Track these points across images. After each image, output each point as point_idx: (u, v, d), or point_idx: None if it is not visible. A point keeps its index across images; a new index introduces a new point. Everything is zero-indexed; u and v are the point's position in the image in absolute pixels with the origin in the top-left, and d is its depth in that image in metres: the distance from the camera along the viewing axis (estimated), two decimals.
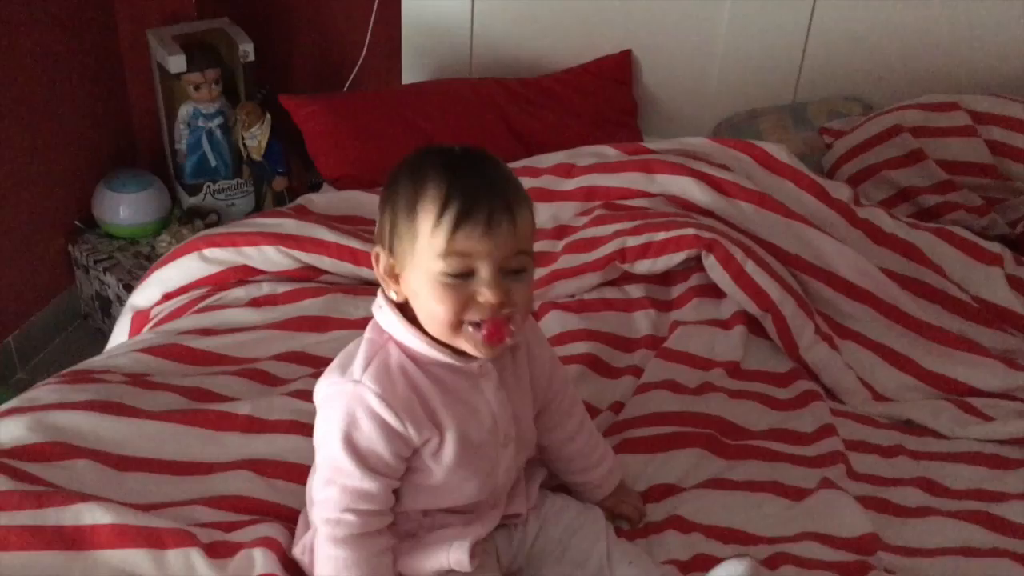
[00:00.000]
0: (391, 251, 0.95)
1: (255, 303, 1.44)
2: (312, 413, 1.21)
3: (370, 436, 0.93)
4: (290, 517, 1.09)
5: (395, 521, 1.01)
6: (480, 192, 0.90)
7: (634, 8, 2.07)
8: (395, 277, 0.95)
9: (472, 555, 0.99)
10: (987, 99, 1.82)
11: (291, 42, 2.35)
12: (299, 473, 1.12)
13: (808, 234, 1.51)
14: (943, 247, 1.55)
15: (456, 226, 0.89)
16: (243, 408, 1.22)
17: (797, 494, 1.21)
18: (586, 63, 2.13)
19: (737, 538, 1.15)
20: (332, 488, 0.95)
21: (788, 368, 1.43)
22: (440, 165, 0.92)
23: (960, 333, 1.46)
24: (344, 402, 0.94)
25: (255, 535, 1.03)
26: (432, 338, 0.95)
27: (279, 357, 1.36)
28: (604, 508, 1.13)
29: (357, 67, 2.28)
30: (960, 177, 1.74)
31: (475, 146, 0.96)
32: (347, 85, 2.30)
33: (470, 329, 0.93)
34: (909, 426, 1.38)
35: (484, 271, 0.91)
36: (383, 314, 0.97)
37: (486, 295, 0.91)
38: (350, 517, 0.95)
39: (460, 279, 0.91)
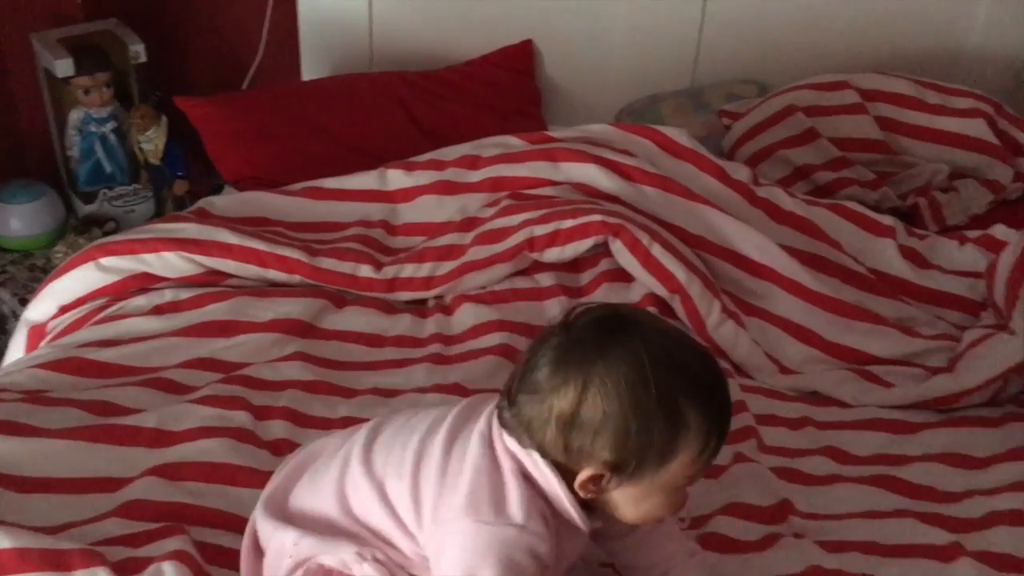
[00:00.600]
0: (613, 469, 0.88)
1: (158, 311, 1.40)
2: (222, 419, 1.21)
3: (532, 572, 0.88)
4: (203, 518, 1.07)
5: None
6: (728, 415, 0.90)
7: None
8: (596, 481, 0.89)
9: None
10: (874, 77, 1.88)
11: (185, 42, 2.29)
12: (211, 472, 1.10)
13: (710, 215, 1.54)
14: (839, 222, 1.60)
15: (714, 455, 0.90)
16: (149, 420, 1.19)
17: (713, 471, 1.24)
18: (488, 54, 2.13)
19: None
20: None
21: None
22: (692, 396, 0.86)
23: (858, 304, 1.51)
24: (498, 546, 0.87)
25: (165, 549, 1.00)
26: (578, 503, 0.90)
27: (185, 364, 1.32)
28: None
29: (255, 66, 2.23)
30: (852, 153, 1.80)
31: (704, 354, 0.92)
32: (245, 84, 2.25)
33: None
34: (815, 397, 1.42)
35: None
36: (533, 464, 0.89)
37: (686, 491, 0.93)
38: None
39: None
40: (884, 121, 1.84)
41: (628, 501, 0.90)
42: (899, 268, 1.56)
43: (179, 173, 2.13)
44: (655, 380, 0.85)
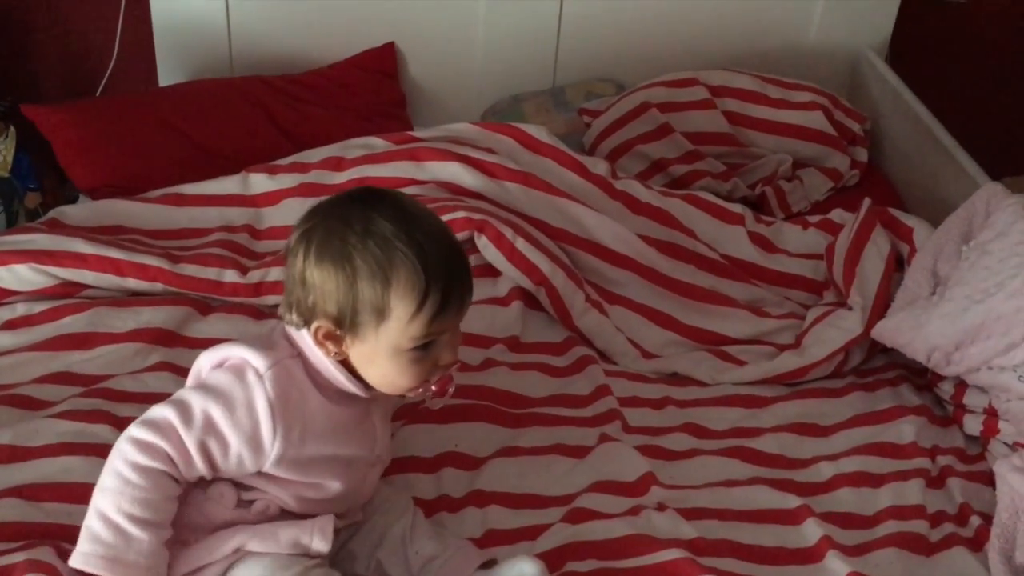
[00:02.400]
0: (339, 324, 0.95)
1: (9, 326, 1.35)
2: (83, 434, 1.18)
3: (235, 426, 0.94)
4: (63, 536, 1.04)
5: (252, 510, 1.00)
6: (453, 279, 0.96)
7: (394, 0, 2.09)
8: (335, 340, 0.97)
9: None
10: (721, 73, 1.98)
11: (33, 48, 2.20)
12: (71, 492, 1.07)
13: (571, 208, 1.59)
14: (693, 211, 1.67)
15: (435, 316, 0.94)
16: (3, 437, 1.16)
17: (580, 452, 1.29)
18: (351, 57, 2.13)
19: (530, 503, 1.22)
20: (166, 422, 0.94)
21: (564, 337, 1.51)
22: (409, 248, 0.93)
23: (712, 288, 1.59)
24: (237, 384, 0.95)
25: (25, 558, 0.97)
26: (343, 369, 0.98)
27: (41, 380, 1.28)
28: None
29: (108, 72, 2.17)
30: (704, 147, 1.89)
31: (403, 197, 1.00)
32: (100, 91, 2.18)
33: (420, 388, 0.99)
34: (675, 378, 1.49)
35: (448, 338, 0.98)
36: (307, 344, 0.98)
37: (447, 359, 0.99)
38: (161, 450, 0.93)
39: (426, 353, 0.97)
40: (732, 115, 1.93)
41: (363, 362, 0.98)
42: (749, 253, 1.65)
43: (31, 185, 2.05)
44: (367, 240, 0.94)
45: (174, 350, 1.37)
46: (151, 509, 0.93)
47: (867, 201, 1.62)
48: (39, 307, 1.39)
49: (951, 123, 1.85)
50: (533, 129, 1.70)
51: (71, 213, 1.55)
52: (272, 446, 0.95)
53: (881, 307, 1.48)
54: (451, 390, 1.02)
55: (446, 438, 1.28)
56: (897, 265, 1.55)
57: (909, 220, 1.59)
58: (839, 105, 1.97)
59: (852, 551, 1.16)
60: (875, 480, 1.28)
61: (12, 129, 1.98)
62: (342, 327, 0.96)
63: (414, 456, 1.25)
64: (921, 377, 1.48)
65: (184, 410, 0.94)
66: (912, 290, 1.45)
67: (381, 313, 0.94)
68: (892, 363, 1.52)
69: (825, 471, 1.30)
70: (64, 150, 1.80)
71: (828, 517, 1.22)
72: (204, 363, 1.00)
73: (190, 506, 0.99)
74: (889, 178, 1.95)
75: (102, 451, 1.15)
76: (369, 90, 2.11)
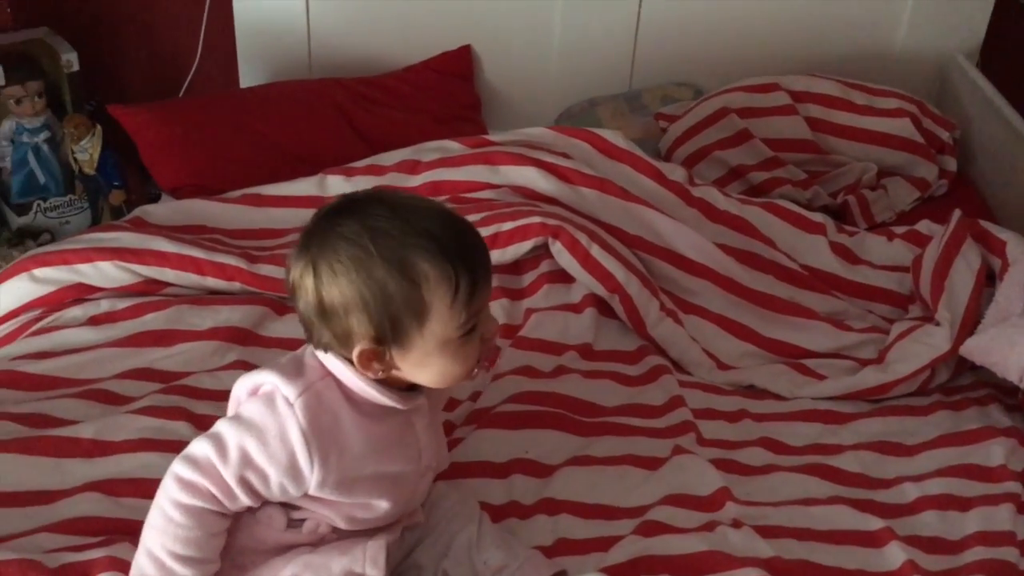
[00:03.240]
0: (380, 341, 0.93)
1: (93, 321, 1.38)
2: (162, 430, 1.20)
3: (272, 458, 0.92)
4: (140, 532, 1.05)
5: (303, 531, 1.00)
6: (473, 255, 0.94)
7: (471, 3, 2.09)
8: (379, 358, 0.94)
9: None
10: (803, 79, 1.93)
11: (119, 50, 2.26)
12: (150, 489, 1.08)
13: (647, 215, 1.57)
14: (772, 220, 1.64)
15: (471, 296, 0.93)
16: (86, 431, 1.18)
17: (653, 464, 1.27)
18: (427, 60, 2.14)
19: (601, 514, 1.19)
20: (207, 460, 0.92)
21: (637, 346, 1.48)
22: (424, 244, 0.91)
23: (791, 300, 1.55)
24: (270, 415, 0.93)
25: (105, 554, 0.99)
26: (380, 384, 0.96)
27: (122, 375, 1.31)
28: None
29: (192, 73, 2.22)
30: (784, 153, 1.85)
31: (380, 191, 1.00)
32: (182, 92, 2.23)
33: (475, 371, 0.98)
34: (751, 391, 1.45)
35: (485, 313, 0.97)
36: (333, 364, 0.96)
37: (491, 329, 0.98)
38: (204, 489, 0.93)
39: (475, 333, 0.96)
40: (814, 122, 1.88)
41: (416, 368, 0.95)
42: (830, 264, 1.61)
43: (115, 183, 2.10)
44: (375, 246, 0.90)
45: (250, 349, 1.39)
46: (195, 547, 0.93)
47: (957, 212, 1.57)
48: (122, 304, 1.41)
49: None
50: (609, 134, 1.68)
51: (154, 212, 1.59)
52: (311, 473, 0.93)
53: (970, 323, 1.42)
54: (500, 361, 1.00)
55: (517, 444, 1.27)
56: (988, 280, 1.49)
57: (1002, 233, 1.53)
58: (927, 112, 1.91)
59: None
60: (962, 503, 1.23)
61: (99, 128, 2.03)
62: (384, 342, 0.93)
63: (485, 461, 1.24)
64: (1011, 397, 1.42)
65: (220, 446, 0.93)
66: (1004, 306, 1.39)
67: (421, 313, 0.91)
68: (981, 382, 1.46)
69: (909, 492, 1.25)
70: (148, 149, 1.84)
71: (912, 541, 1.17)
72: (240, 390, 0.99)
73: (241, 531, 0.98)
74: (979, 189, 1.88)
75: (180, 448, 1.15)
76: (444, 93, 2.11)
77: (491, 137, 1.70)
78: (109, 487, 1.12)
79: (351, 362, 0.94)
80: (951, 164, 1.89)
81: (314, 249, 0.93)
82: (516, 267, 1.56)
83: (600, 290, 1.48)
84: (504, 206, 1.54)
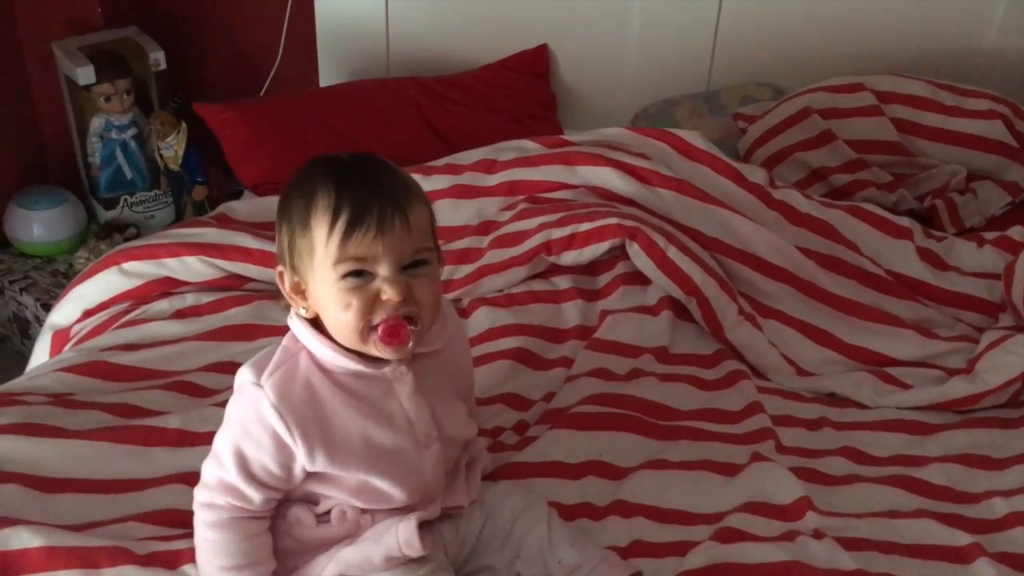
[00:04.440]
0: (293, 268, 0.96)
1: (179, 315, 1.42)
2: None
3: (259, 444, 0.94)
4: None
5: (333, 522, 1.01)
6: (369, 195, 0.92)
7: (548, 2, 2.09)
8: (302, 293, 0.97)
9: (421, 537, 0.99)
10: (889, 79, 1.89)
11: (204, 49, 2.31)
12: None
13: (727, 218, 1.54)
14: (856, 224, 1.60)
15: (349, 231, 0.91)
16: (173, 422, 1.21)
17: (730, 470, 1.25)
18: (503, 58, 2.15)
19: (677, 518, 1.18)
20: (212, 476, 0.97)
21: (714, 349, 1.46)
22: (327, 174, 0.94)
23: (876, 306, 1.51)
24: (244, 404, 0.96)
25: (188, 546, 1.01)
26: (344, 347, 0.97)
27: (207, 368, 1.34)
28: None
29: (273, 72, 2.25)
30: (868, 155, 1.80)
31: (362, 151, 0.99)
32: (264, 90, 2.27)
33: (375, 334, 0.95)
34: (832, 398, 1.42)
35: (383, 270, 0.93)
36: (295, 325, 0.99)
37: (388, 292, 0.93)
38: (221, 502, 0.96)
39: (361, 282, 0.93)
40: (900, 123, 1.84)
41: (320, 309, 0.96)
42: (917, 270, 1.56)
43: (198, 179, 2.15)
44: (302, 168, 0.96)
45: None
46: (239, 554, 0.96)
47: None
48: (206, 298, 1.45)
49: None
50: (688, 135, 1.66)
51: (238, 208, 1.62)
52: (296, 445, 0.94)
53: None
54: (411, 345, 0.95)
55: (590, 446, 1.26)
56: None
57: None
58: (1020, 114, 1.84)
59: None
60: None
61: (184, 125, 2.08)
62: (288, 265, 0.96)
63: (558, 461, 1.23)
64: None
65: (217, 458, 0.96)
66: None
67: (309, 241, 0.93)
68: None
69: (999, 508, 1.21)
70: (231, 146, 1.88)
71: (1001, 558, 1.13)
72: None
73: (279, 536, 1.01)
74: None
75: None
76: (520, 92, 2.12)
77: (568, 137, 1.70)
78: (194, 479, 1.14)
79: (318, 329, 0.96)
80: None
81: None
82: (592, 268, 1.56)
83: (677, 292, 1.47)
84: (581, 207, 1.53)
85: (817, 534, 1.15)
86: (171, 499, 1.11)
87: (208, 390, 1.30)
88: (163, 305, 1.43)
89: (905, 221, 1.63)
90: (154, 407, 1.24)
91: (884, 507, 1.21)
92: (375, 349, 0.95)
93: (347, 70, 2.16)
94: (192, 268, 1.46)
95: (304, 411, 0.95)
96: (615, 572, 1.06)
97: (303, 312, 0.98)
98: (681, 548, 1.14)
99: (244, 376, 0.98)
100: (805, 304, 1.51)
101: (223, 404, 1.23)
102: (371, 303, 0.93)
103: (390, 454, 0.99)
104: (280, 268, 0.98)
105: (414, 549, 0.98)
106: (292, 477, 0.97)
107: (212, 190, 2.19)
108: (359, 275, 0.93)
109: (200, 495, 0.98)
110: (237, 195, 1.92)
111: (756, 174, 1.63)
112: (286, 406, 0.94)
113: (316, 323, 0.98)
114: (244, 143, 1.87)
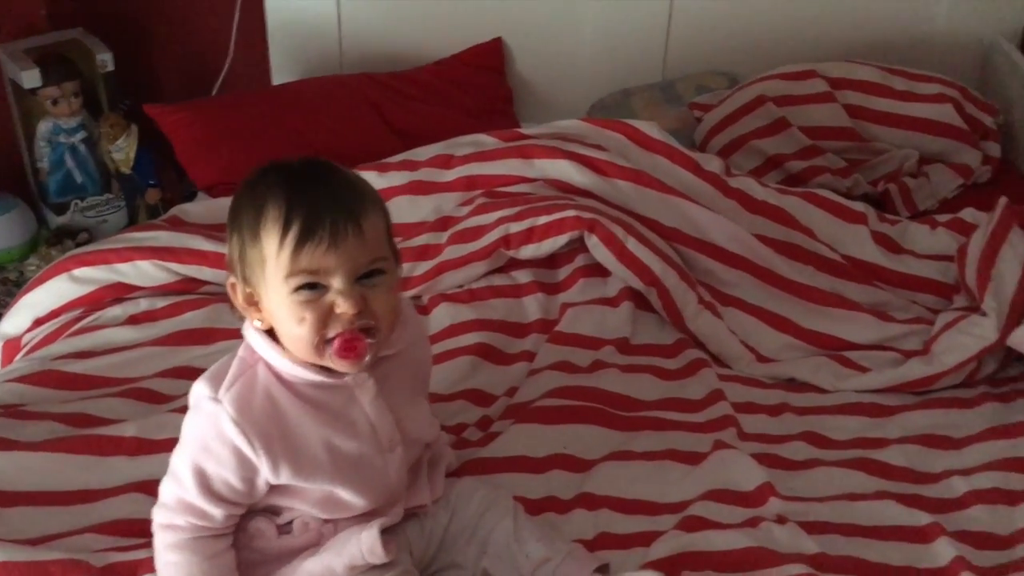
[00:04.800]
0: (245, 279, 0.93)
1: (133, 320, 1.40)
2: None
3: (220, 460, 0.92)
4: None
5: (295, 533, 0.99)
6: (320, 205, 0.89)
7: None
8: (255, 305, 0.94)
9: (385, 543, 0.98)
10: (841, 65, 1.90)
11: (153, 50, 2.27)
12: None
13: (684, 207, 1.55)
14: (811, 210, 1.61)
15: (300, 243, 0.88)
16: (129, 430, 1.19)
17: (694, 459, 1.25)
18: (458, 53, 2.13)
19: (643, 509, 1.18)
20: (171, 496, 0.95)
21: (675, 339, 1.47)
22: (277, 182, 0.91)
23: (833, 291, 1.52)
24: (202, 421, 0.94)
25: (150, 555, 0.99)
26: (300, 359, 0.94)
27: (163, 374, 1.32)
28: None
29: (224, 72, 2.22)
30: (822, 142, 1.82)
31: (314, 158, 0.96)
32: (215, 90, 2.24)
33: (330, 348, 0.92)
34: (792, 384, 1.43)
35: (336, 283, 0.91)
36: (251, 336, 0.96)
37: (342, 305, 0.90)
38: (181, 523, 0.94)
39: (314, 295, 0.90)
40: (853, 109, 1.85)
41: (274, 321, 0.93)
42: (872, 254, 1.58)
43: (151, 181, 2.12)
44: (252, 176, 0.94)
45: None
46: (202, 575, 0.94)
47: (1003, 200, 1.53)
48: (161, 303, 1.43)
49: None
50: (644, 125, 1.66)
51: (191, 211, 1.60)
52: (259, 459, 0.92)
53: (1018, 313, 1.39)
54: (368, 358, 0.93)
55: (555, 440, 1.26)
56: None
57: None
58: (969, 97, 1.87)
59: (988, 573, 1.09)
60: (1012, 498, 1.20)
61: (134, 128, 2.04)
62: (239, 276, 0.93)
63: (522, 456, 1.23)
64: None
65: (176, 477, 0.94)
66: None
67: (260, 252, 0.90)
68: None
69: (958, 487, 1.22)
70: (183, 147, 1.85)
71: (961, 536, 1.15)
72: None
73: (240, 549, 0.99)
74: None
75: None
76: (476, 86, 2.10)
77: (525, 130, 1.69)
78: (152, 487, 1.12)
79: (276, 339, 0.94)
80: (995, 150, 1.85)
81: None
82: (552, 261, 1.55)
83: (637, 283, 1.47)
84: (539, 200, 1.52)
85: (780, 519, 1.16)
86: (130, 508, 1.09)
87: (165, 396, 1.28)
88: (116, 311, 1.41)
89: (859, 206, 1.64)
90: (109, 415, 1.22)
91: (845, 490, 1.23)
92: (331, 362, 0.93)
93: (300, 68, 2.14)
94: (145, 273, 1.43)
95: (266, 424, 0.93)
96: (582, 565, 1.06)
97: (258, 324, 0.95)
98: (646, 538, 1.14)
99: (200, 391, 0.95)
100: (763, 291, 1.52)
101: (181, 410, 1.21)
102: (325, 316, 0.91)
103: (354, 462, 0.98)
104: (232, 279, 0.95)
105: (377, 556, 0.97)
106: (255, 491, 0.95)
107: (166, 193, 2.15)
108: (312, 288, 0.90)
109: (158, 516, 0.95)
110: (191, 197, 1.89)
111: (712, 163, 1.63)
112: (247, 420, 0.92)
113: (272, 333, 0.96)
114: (196, 144, 1.84)
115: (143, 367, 1.32)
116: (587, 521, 1.16)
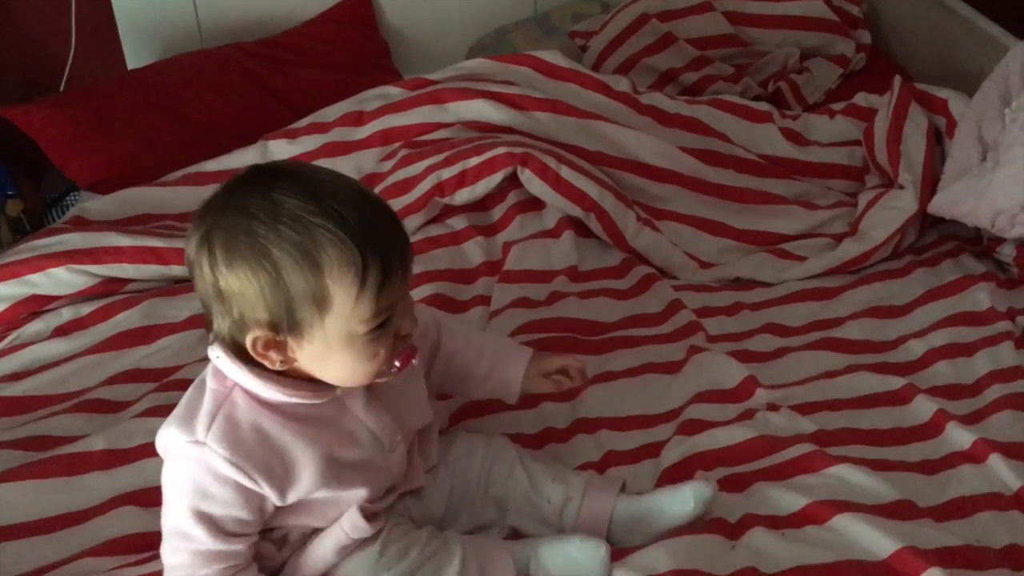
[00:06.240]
0: (273, 327, 0.83)
1: (61, 331, 1.28)
2: None
3: (226, 501, 0.86)
4: None
5: (293, 542, 0.95)
6: (388, 244, 0.84)
7: None
8: (278, 348, 0.85)
9: (368, 518, 0.94)
10: None
11: None
12: None
13: (605, 129, 1.55)
14: (721, 115, 1.64)
15: (381, 289, 0.84)
16: (97, 443, 1.10)
17: (673, 368, 1.27)
18: (325, 11, 2.05)
19: (638, 424, 1.19)
20: (184, 556, 0.87)
21: (621, 259, 1.48)
22: (331, 227, 0.81)
23: (756, 189, 1.57)
24: (190, 468, 0.85)
25: (153, 570, 0.93)
26: (289, 382, 0.87)
27: (110, 381, 1.22)
28: (540, 390, 1.10)
29: (70, 61, 2.05)
30: (710, 51, 1.86)
31: (282, 163, 0.89)
32: (63, 83, 2.06)
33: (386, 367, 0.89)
34: (739, 283, 1.47)
35: (402, 306, 0.88)
36: (226, 366, 0.86)
37: (408, 327, 0.89)
38: (207, 572, 0.87)
39: (388, 329, 0.87)
40: (731, 15, 1.90)
41: (316, 362, 0.86)
42: (784, 149, 1.63)
43: (9, 192, 1.94)
44: (276, 223, 0.81)
45: None
46: None
47: (898, 79, 1.62)
48: (86, 308, 1.31)
49: None
50: (548, 55, 1.65)
51: (92, 208, 1.47)
52: (264, 489, 0.87)
53: (930, 181, 1.48)
54: (415, 362, 0.91)
55: None
56: (936, 138, 1.55)
57: (941, 92, 1.58)
58: None
59: (968, 419, 1.17)
60: (966, 349, 1.28)
61: None
62: (280, 331, 0.83)
63: None
64: (976, 245, 1.49)
65: (180, 534, 0.86)
66: (961, 160, 1.45)
67: (321, 302, 0.82)
68: (945, 237, 1.52)
69: (916, 349, 1.30)
70: (54, 147, 1.70)
71: (934, 392, 1.22)
72: (159, 449, 0.89)
73: None
74: (896, 58, 1.94)
75: None
76: (350, 43, 2.03)
77: (431, 76, 1.64)
78: (138, 498, 1.05)
79: (253, 362, 0.85)
80: (865, 37, 1.94)
81: (209, 222, 0.82)
82: (482, 203, 1.53)
83: (576, 211, 1.47)
84: (464, 143, 1.49)
85: (771, 407, 1.20)
86: (124, 524, 1.01)
87: (120, 404, 1.19)
88: (38, 325, 1.29)
89: (763, 106, 1.69)
90: (69, 433, 1.12)
91: (819, 370, 1.28)
92: (380, 379, 0.90)
93: (157, 48, 2.00)
94: (60, 280, 1.31)
95: (261, 454, 0.86)
96: (603, 493, 1.05)
97: (278, 366, 0.85)
98: (652, 450, 1.15)
99: (172, 438, 0.86)
100: (694, 199, 1.55)
101: (145, 414, 1.14)
102: (394, 343, 0.88)
103: (359, 468, 0.93)
104: (256, 334, 0.83)
105: (360, 530, 0.93)
106: (266, 515, 0.90)
107: (27, 203, 1.98)
108: (388, 322, 0.86)
109: None
110: (54, 203, 1.73)
111: (621, 83, 1.64)
112: (241, 456, 0.84)
113: (244, 357, 0.86)
114: (69, 141, 1.69)
115: (86, 378, 1.22)
116: (589, 444, 1.16)
